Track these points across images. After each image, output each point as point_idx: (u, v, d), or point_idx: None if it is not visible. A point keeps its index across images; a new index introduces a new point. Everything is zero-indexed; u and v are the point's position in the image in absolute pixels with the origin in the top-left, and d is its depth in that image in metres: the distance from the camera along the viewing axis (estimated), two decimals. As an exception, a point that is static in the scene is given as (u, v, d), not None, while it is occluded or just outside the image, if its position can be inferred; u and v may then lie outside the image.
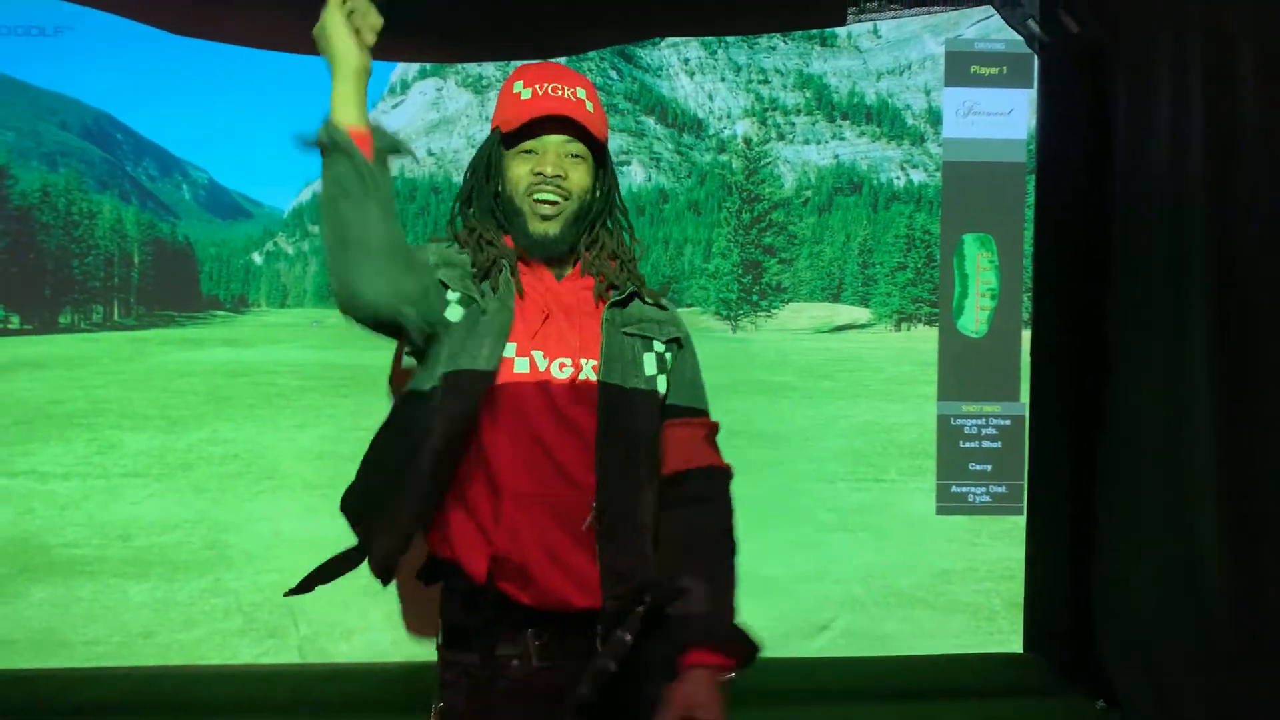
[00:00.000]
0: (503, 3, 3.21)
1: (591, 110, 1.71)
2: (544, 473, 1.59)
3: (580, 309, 1.70)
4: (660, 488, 1.69)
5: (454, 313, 1.63)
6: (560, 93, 1.69)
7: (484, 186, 1.73)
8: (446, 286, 1.64)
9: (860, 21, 3.40)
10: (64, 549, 5.41)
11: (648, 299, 1.75)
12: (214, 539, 5.83)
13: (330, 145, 1.49)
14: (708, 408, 1.79)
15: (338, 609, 4.28)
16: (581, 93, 1.72)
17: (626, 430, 1.64)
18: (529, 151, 1.69)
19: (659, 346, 1.72)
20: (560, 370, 1.64)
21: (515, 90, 1.72)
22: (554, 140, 1.68)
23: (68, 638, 4.20)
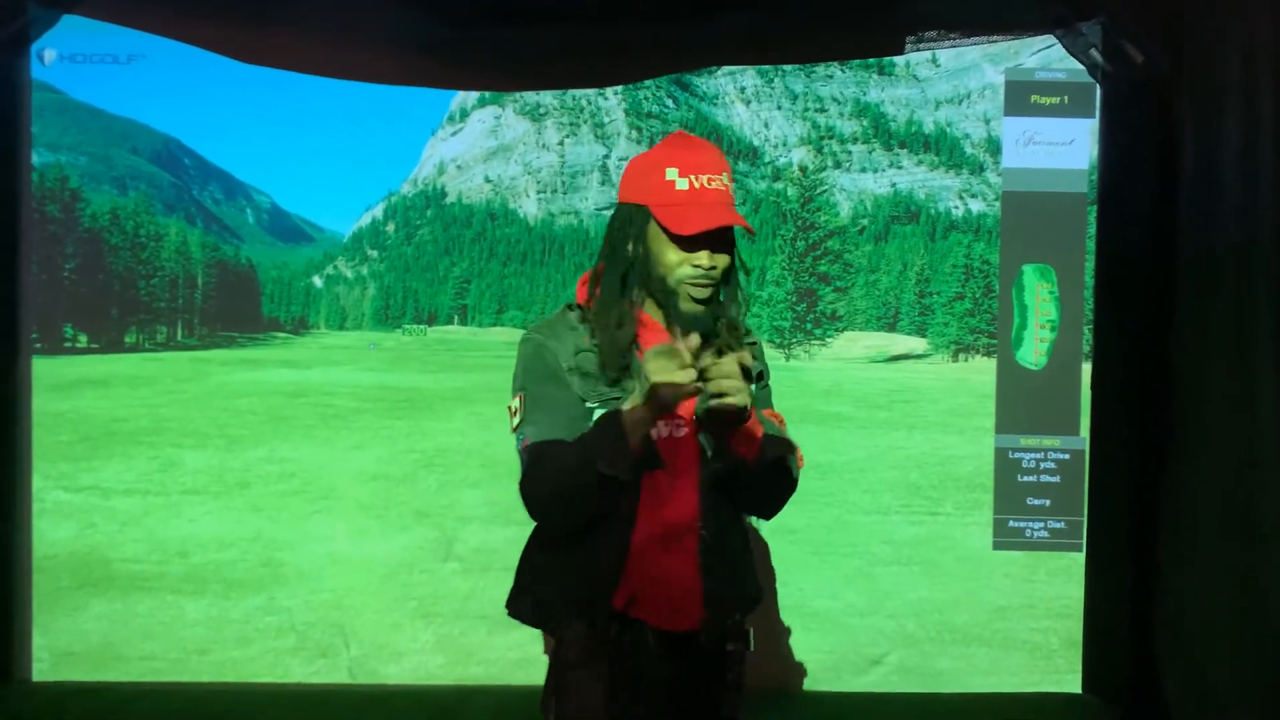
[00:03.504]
0: (561, 32, 3.25)
1: (733, 192, 1.81)
2: (665, 516, 1.81)
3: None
4: None
5: (600, 415, 1.78)
6: (715, 184, 1.77)
7: (640, 265, 1.82)
8: (583, 399, 1.80)
9: (918, 50, 3.39)
10: (123, 564, 5.50)
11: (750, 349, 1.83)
12: (269, 557, 5.89)
13: (618, 477, 1.68)
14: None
15: (388, 631, 4.30)
16: (725, 177, 1.80)
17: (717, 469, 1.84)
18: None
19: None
20: (674, 429, 1.81)
21: (669, 177, 1.78)
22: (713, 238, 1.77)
23: (125, 652, 4.25)
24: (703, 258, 1.76)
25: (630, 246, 1.82)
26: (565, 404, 1.81)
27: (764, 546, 3.71)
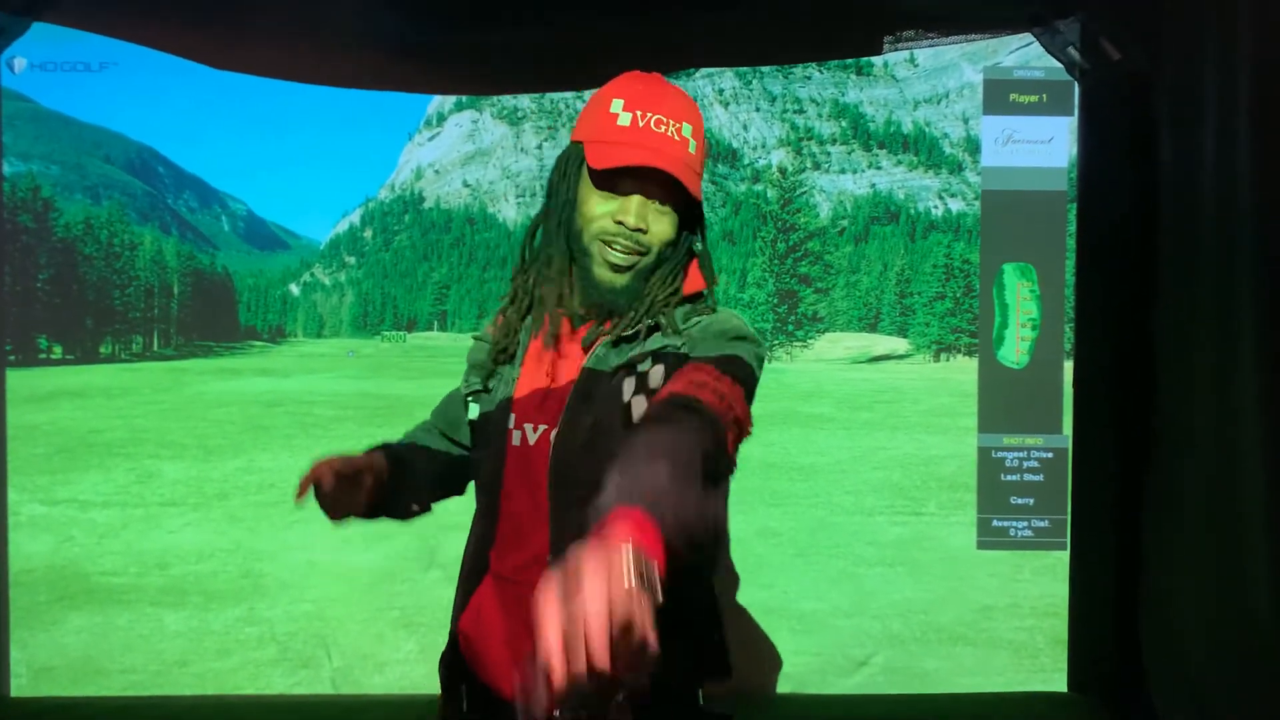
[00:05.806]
0: (537, 35, 3.23)
1: (694, 152, 1.44)
2: (517, 551, 1.46)
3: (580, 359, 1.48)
4: None
5: (473, 411, 1.57)
6: (665, 128, 1.41)
7: (559, 213, 1.49)
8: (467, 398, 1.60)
9: (896, 50, 3.38)
10: (102, 577, 5.45)
11: (669, 329, 1.45)
12: (249, 568, 5.85)
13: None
14: (726, 366, 1.37)
15: (371, 642, 4.27)
16: (688, 129, 1.44)
17: (577, 491, 1.30)
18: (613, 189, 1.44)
19: (644, 365, 1.42)
20: (534, 433, 1.44)
21: (613, 110, 1.44)
22: (643, 192, 1.43)
23: (105, 666, 4.21)
24: (629, 214, 1.41)
25: (564, 189, 1.48)
26: (447, 401, 1.72)
27: (748, 622, 3.42)
